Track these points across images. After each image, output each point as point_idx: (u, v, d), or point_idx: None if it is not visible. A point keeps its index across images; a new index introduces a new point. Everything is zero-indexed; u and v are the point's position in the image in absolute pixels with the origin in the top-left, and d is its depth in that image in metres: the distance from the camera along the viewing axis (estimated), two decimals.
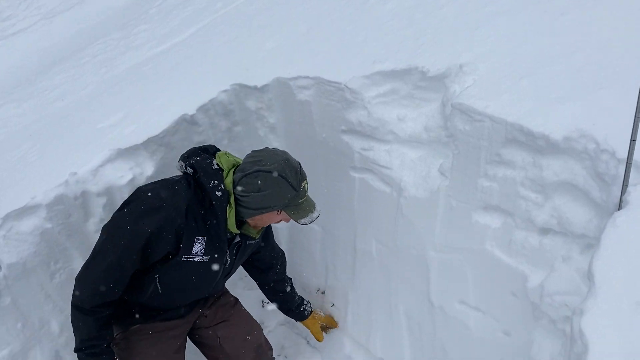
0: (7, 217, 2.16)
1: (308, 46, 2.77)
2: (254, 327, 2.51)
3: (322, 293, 3.12)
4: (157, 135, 2.48)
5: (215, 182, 1.93)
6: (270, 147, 2.07)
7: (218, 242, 2.02)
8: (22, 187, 2.38)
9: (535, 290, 1.86)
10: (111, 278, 1.90)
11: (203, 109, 2.63)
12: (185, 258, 1.98)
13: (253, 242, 2.24)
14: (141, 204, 1.91)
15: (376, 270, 2.64)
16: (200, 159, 1.98)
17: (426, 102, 2.26)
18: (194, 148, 2.06)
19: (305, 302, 2.79)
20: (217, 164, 1.98)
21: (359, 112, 2.35)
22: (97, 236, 2.36)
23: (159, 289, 2.06)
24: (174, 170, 2.59)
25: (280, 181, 1.92)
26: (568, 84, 1.85)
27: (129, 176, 2.39)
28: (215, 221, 1.96)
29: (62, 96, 3.56)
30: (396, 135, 2.31)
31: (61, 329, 2.34)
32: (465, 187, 2.07)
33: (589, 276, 1.30)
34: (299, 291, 3.27)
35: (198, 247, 1.98)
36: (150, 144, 2.47)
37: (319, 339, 2.90)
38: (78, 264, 2.37)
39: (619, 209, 1.49)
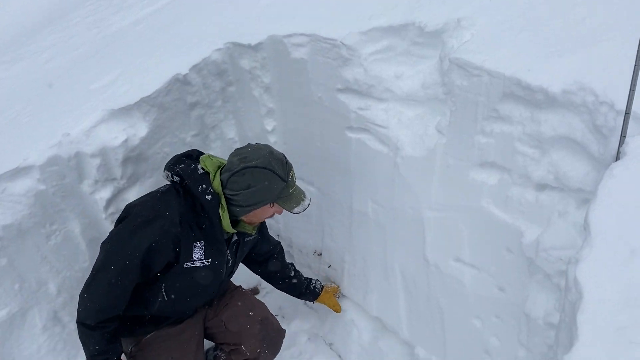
0: (0, 178, 2.14)
1: (303, 2, 2.70)
2: (256, 304, 2.53)
3: (318, 255, 3.13)
4: (149, 96, 2.44)
5: (203, 186, 1.95)
6: (252, 143, 2.09)
7: (216, 244, 2.06)
8: (14, 148, 2.35)
9: (530, 245, 1.86)
10: (113, 294, 1.93)
11: (196, 68, 2.58)
12: (187, 265, 2.02)
13: (251, 238, 2.28)
14: (134, 218, 1.94)
15: (372, 231, 2.64)
16: (185, 166, 2.00)
17: (423, 59, 2.21)
18: (177, 156, 2.08)
19: (314, 281, 2.82)
20: (202, 168, 2.01)
21: (355, 70, 2.30)
22: (92, 198, 2.40)
23: (166, 298, 2.09)
24: (168, 132, 2.59)
25: (268, 174, 1.95)
26: (568, 37, 1.81)
27: (123, 137, 2.37)
28: (209, 224, 1.98)
29: (54, 57, 3.50)
30: (393, 93, 2.27)
31: (59, 290, 2.35)
32: (462, 144, 2.05)
33: (585, 226, 1.30)
34: (296, 254, 3.30)
35: (198, 252, 2.02)
36: (143, 105, 2.44)
37: (337, 311, 2.92)
38: (73, 225, 2.37)
39: (616, 160, 1.48)
